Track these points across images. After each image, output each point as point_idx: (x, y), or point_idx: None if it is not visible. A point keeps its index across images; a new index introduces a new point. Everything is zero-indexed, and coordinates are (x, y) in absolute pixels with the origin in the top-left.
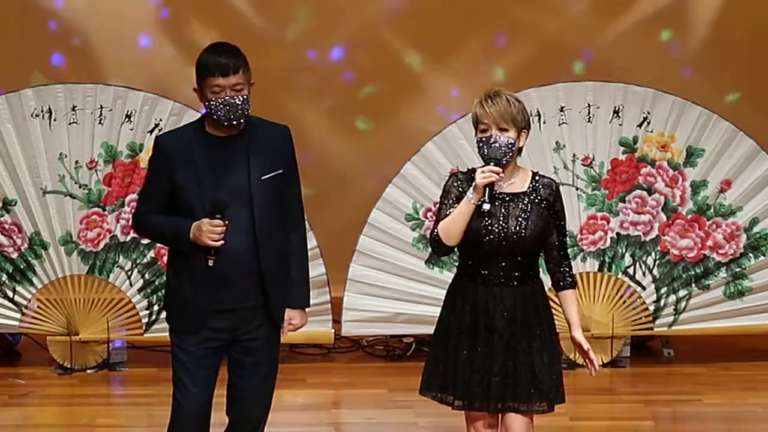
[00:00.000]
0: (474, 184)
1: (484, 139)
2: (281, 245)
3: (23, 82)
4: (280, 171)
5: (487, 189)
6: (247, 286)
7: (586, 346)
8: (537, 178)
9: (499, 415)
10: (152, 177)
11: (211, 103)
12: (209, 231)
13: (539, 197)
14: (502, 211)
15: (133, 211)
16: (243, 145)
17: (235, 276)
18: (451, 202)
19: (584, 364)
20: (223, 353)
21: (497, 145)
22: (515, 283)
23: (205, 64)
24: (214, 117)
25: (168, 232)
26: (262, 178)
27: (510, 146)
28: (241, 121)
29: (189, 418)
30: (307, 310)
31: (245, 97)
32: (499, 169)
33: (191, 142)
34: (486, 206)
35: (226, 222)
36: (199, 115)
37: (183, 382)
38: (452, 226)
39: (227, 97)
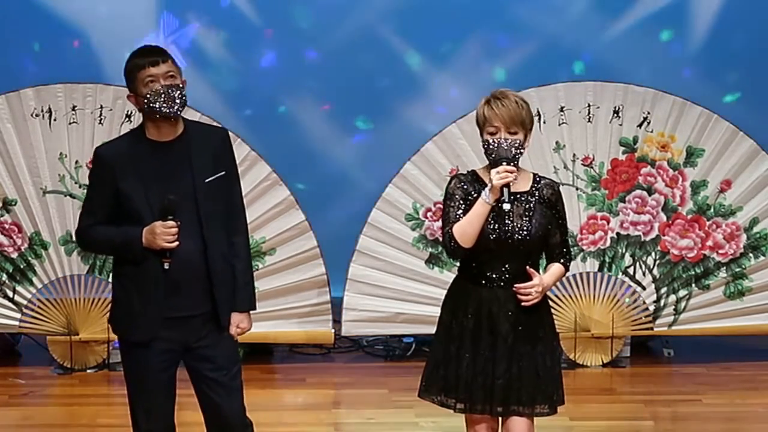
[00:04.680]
0: (490, 185)
1: (493, 141)
2: (227, 248)
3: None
4: (223, 173)
5: (505, 189)
6: (197, 292)
7: (540, 287)
8: (538, 178)
9: (500, 417)
10: (95, 189)
11: (147, 95)
12: (163, 233)
13: (542, 197)
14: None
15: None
16: (184, 149)
17: (186, 281)
18: (457, 203)
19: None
20: (177, 363)
21: (507, 147)
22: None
23: (134, 64)
24: (153, 110)
25: (117, 240)
26: (206, 181)
27: (519, 148)
28: (181, 108)
29: None
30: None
31: (179, 84)
32: (514, 169)
33: (132, 149)
34: (506, 206)
35: (179, 222)
36: (199, 114)
37: (145, 401)
38: (468, 228)
39: (162, 86)
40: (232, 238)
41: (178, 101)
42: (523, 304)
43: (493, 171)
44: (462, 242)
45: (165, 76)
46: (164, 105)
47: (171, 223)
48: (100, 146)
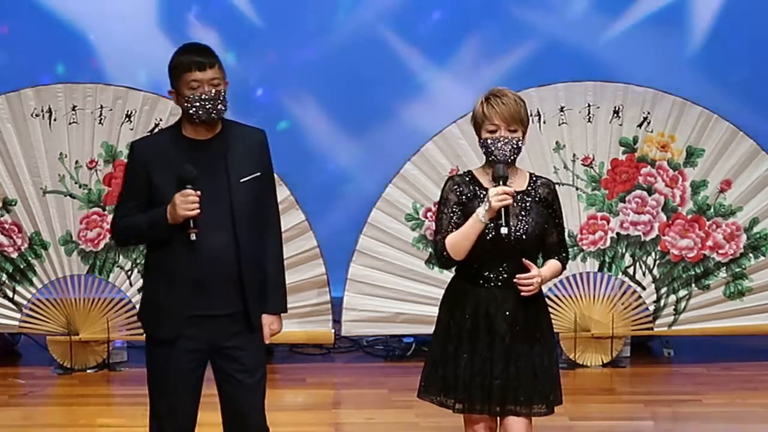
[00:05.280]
0: (488, 204)
1: (492, 139)
2: (259, 250)
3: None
4: (258, 174)
5: (503, 210)
6: (227, 291)
7: (538, 278)
8: (534, 178)
9: (498, 417)
10: (129, 182)
11: (190, 99)
12: (182, 202)
13: (538, 196)
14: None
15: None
16: (221, 148)
17: (215, 280)
18: (450, 209)
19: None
20: (204, 364)
21: (508, 145)
22: (516, 285)
23: (180, 62)
24: (193, 114)
25: (144, 224)
26: (241, 180)
27: (518, 146)
28: (220, 116)
29: None
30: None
31: (222, 91)
32: (512, 190)
33: (168, 145)
34: (504, 230)
35: (198, 191)
36: None
37: (168, 399)
38: (462, 242)
39: (205, 92)
40: (264, 239)
41: (218, 107)
42: (522, 294)
43: (492, 190)
44: (454, 255)
45: (209, 82)
46: (205, 112)
47: (188, 191)
48: (136, 140)
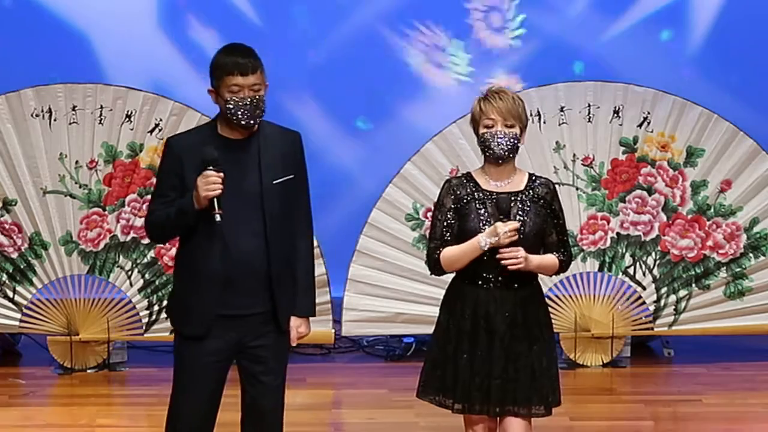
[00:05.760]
0: (493, 238)
1: (490, 134)
2: (290, 251)
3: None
4: (292, 176)
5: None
6: (256, 291)
7: (522, 252)
8: (534, 177)
9: (498, 418)
10: (163, 177)
11: (229, 103)
12: (204, 184)
13: (536, 196)
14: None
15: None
16: (255, 149)
17: (244, 279)
18: (444, 216)
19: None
20: (230, 363)
21: (505, 139)
22: (516, 285)
23: (223, 64)
24: (232, 117)
25: (173, 213)
26: (274, 182)
27: (516, 142)
28: (258, 120)
29: None
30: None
31: (262, 97)
32: (518, 225)
33: (203, 143)
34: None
35: (220, 172)
36: (199, 115)
37: (188, 393)
38: (458, 262)
39: (245, 97)
40: (295, 241)
41: (256, 113)
42: (509, 267)
43: (501, 227)
44: (447, 269)
45: (251, 87)
46: (243, 118)
47: (209, 172)
48: (171, 136)
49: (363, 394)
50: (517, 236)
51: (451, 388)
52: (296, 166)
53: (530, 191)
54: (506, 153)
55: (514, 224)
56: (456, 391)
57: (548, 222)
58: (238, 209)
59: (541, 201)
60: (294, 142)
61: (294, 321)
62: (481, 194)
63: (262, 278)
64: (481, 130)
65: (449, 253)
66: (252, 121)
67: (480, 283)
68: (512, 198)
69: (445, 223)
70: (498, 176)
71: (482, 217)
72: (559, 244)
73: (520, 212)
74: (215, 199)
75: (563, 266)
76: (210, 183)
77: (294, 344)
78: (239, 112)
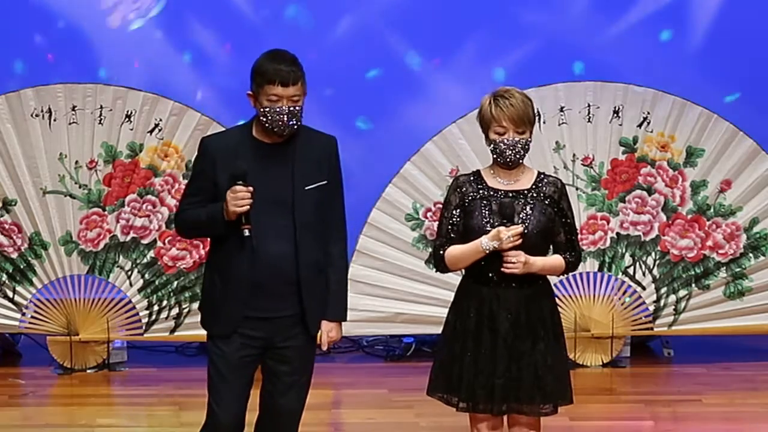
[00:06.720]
0: (497, 242)
1: (502, 142)
2: (321, 257)
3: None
4: (325, 182)
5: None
6: (285, 295)
7: (523, 258)
8: (542, 176)
9: (504, 416)
10: (195, 177)
11: (266, 111)
12: (232, 199)
13: (543, 195)
14: None
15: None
16: (289, 154)
17: (273, 284)
18: (450, 213)
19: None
20: (258, 362)
21: (518, 146)
22: (520, 284)
23: (265, 71)
24: (267, 125)
25: (203, 217)
26: (306, 188)
27: (527, 147)
28: (293, 132)
29: (223, 428)
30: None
31: (300, 108)
32: (521, 229)
33: (237, 145)
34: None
35: (250, 188)
36: (198, 115)
37: (218, 390)
38: (461, 262)
39: (283, 108)
40: (328, 247)
41: (292, 125)
42: (505, 272)
43: (504, 232)
44: (452, 268)
45: (290, 98)
46: (278, 127)
47: (239, 187)
48: (206, 136)
49: (363, 394)
50: (520, 240)
51: (456, 386)
52: (330, 172)
53: (537, 190)
54: (518, 159)
55: (517, 229)
56: (461, 389)
57: (556, 221)
58: (268, 214)
59: (548, 200)
60: (329, 147)
61: (325, 326)
62: (487, 192)
63: (291, 283)
64: (492, 136)
65: (453, 251)
66: (286, 132)
67: (484, 281)
68: (518, 196)
69: (450, 221)
70: (506, 175)
71: (487, 216)
72: (567, 244)
73: (525, 210)
74: (243, 215)
75: (570, 267)
76: (238, 198)
77: (325, 348)
78: (274, 122)
